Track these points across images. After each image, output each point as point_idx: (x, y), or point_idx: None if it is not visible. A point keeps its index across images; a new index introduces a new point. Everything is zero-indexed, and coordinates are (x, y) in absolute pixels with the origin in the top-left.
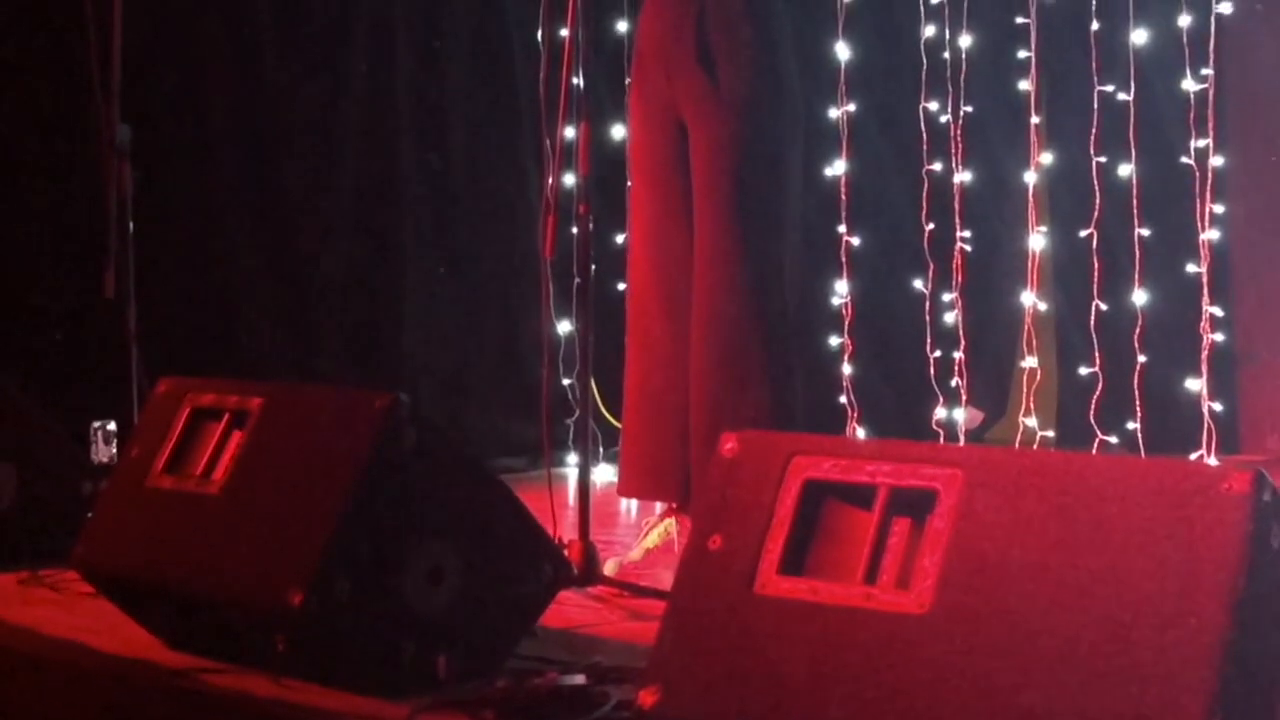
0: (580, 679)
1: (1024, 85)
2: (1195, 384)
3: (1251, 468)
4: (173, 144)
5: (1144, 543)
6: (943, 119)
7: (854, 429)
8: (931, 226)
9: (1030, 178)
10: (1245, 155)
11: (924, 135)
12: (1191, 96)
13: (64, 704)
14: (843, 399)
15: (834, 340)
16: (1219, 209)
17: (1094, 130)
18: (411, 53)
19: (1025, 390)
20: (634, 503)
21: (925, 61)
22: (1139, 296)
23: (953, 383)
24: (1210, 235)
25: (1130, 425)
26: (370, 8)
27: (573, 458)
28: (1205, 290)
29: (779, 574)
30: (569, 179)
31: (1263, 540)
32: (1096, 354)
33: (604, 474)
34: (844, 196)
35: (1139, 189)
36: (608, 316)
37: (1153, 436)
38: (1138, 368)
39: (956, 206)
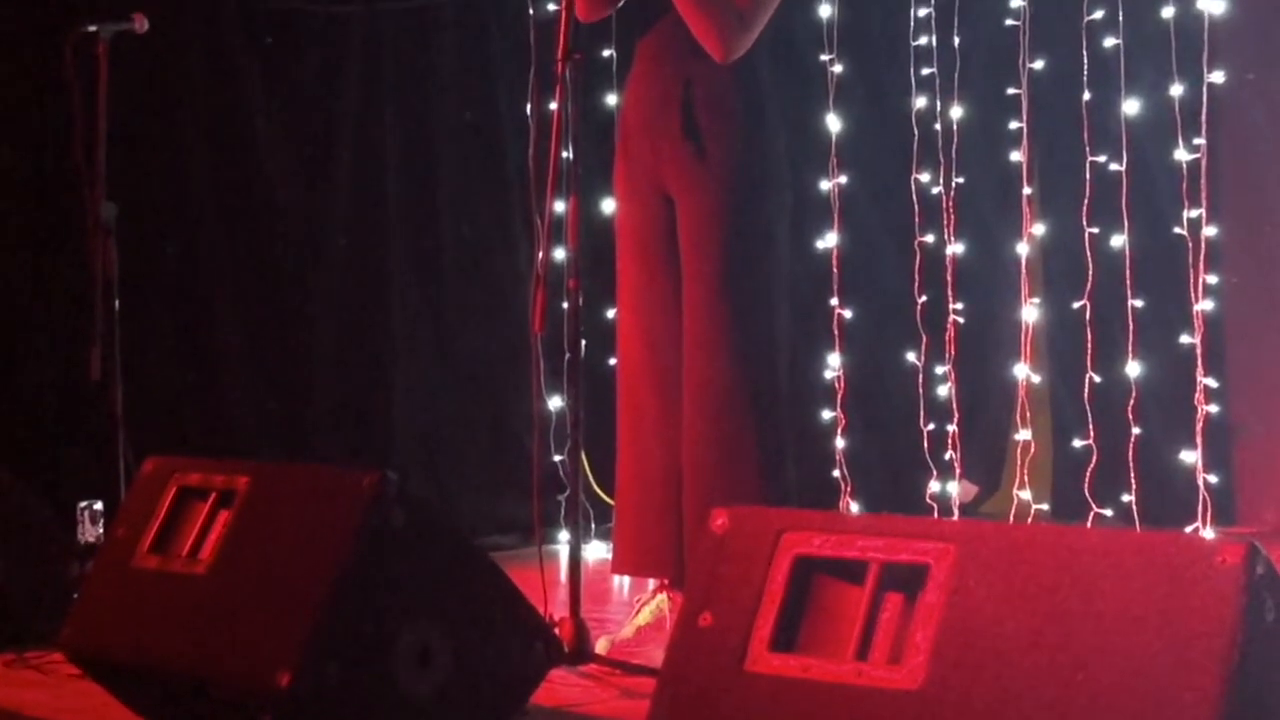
0: None
1: (1016, 156)
2: (1190, 456)
3: (1245, 540)
4: (159, 222)
5: (1138, 617)
6: (934, 190)
7: (847, 503)
8: (924, 299)
9: (1023, 249)
10: (1239, 225)
11: (916, 207)
12: (1184, 166)
13: None
14: (835, 473)
15: (826, 414)
16: (1213, 279)
17: (1086, 201)
18: (400, 127)
19: (1019, 463)
20: (627, 580)
21: (916, 133)
22: (1133, 368)
23: (946, 456)
24: (1204, 306)
25: (1125, 498)
26: (358, 83)
27: (564, 535)
28: (1199, 361)
29: (770, 651)
30: (559, 253)
31: (1257, 613)
32: (1090, 426)
33: (596, 551)
34: (835, 269)
35: (1132, 260)
36: (599, 392)
37: (1148, 509)
38: (1132, 440)
39: (949, 278)
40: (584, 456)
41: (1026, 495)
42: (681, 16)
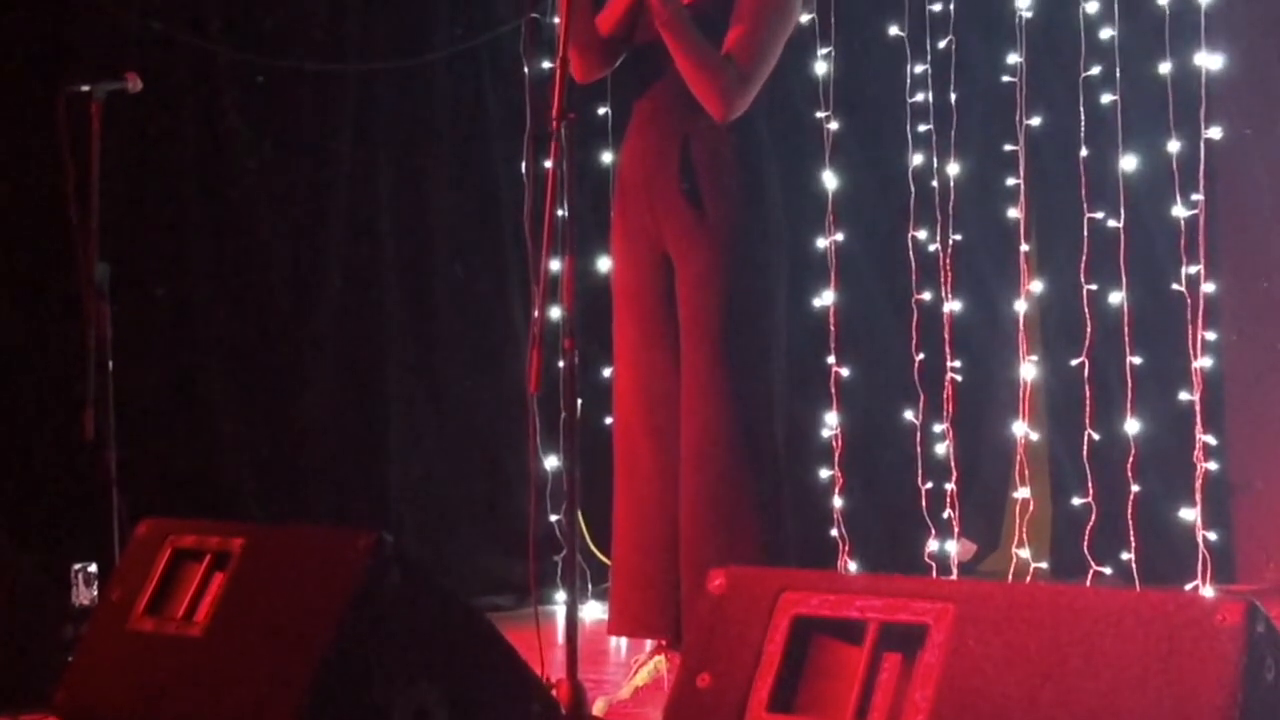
0: None
1: (1013, 213)
2: (1189, 513)
3: (1244, 599)
4: (152, 282)
5: (1137, 676)
6: (931, 248)
7: (845, 563)
8: (921, 356)
9: (1020, 306)
10: (1237, 281)
11: (913, 264)
12: (1182, 222)
13: None
14: (834, 532)
15: (824, 472)
16: (1211, 336)
17: (1084, 257)
18: (394, 186)
19: (1018, 521)
20: (624, 640)
21: (913, 190)
22: (1131, 425)
23: (945, 514)
24: (1203, 363)
25: (1125, 555)
26: (352, 142)
27: (561, 595)
28: (1198, 418)
29: (768, 712)
30: (555, 312)
31: (1256, 672)
32: (1089, 484)
33: (593, 611)
34: (833, 327)
35: (1130, 316)
36: (595, 451)
37: (1147, 567)
38: (1131, 497)
39: (946, 336)
40: (581, 516)
41: (1025, 553)
42: (679, 75)
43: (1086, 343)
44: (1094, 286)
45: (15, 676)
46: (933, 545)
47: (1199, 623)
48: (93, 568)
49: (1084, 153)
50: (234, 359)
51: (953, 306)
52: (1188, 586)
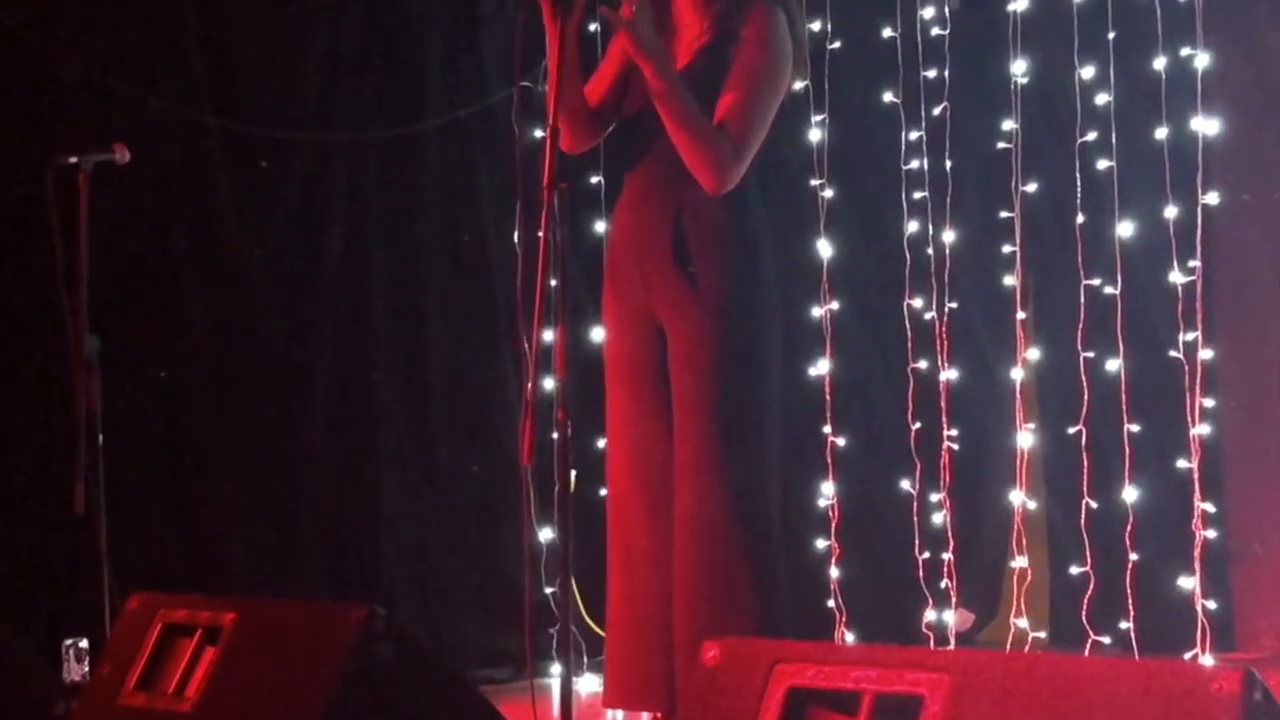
0: None
1: (1009, 280)
2: (1188, 582)
3: (1242, 667)
4: (142, 354)
5: None
6: (927, 316)
7: (842, 633)
8: (918, 425)
9: (1017, 374)
10: (1235, 348)
11: (908, 332)
12: (1179, 289)
13: None
14: (830, 603)
15: (820, 543)
16: (1209, 403)
17: (1081, 325)
18: (386, 257)
19: (1016, 591)
20: (620, 713)
21: (909, 257)
22: (1130, 493)
23: (942, 584)
24: (1201, 430)
25: (1123, 625)
26: (343, 211)
27: (556, 668)
28: (1197, 486)
29: None
30: (548, 383)
31: None
32: (1088, 553)
33: (588, 684)
34: (828, 396)
35: (1128, 384)
36: (589, 522)
37: (1146, 636)
38: (1130, 566)
39: (943, 404)
40: (575, 588)
41: (1024, 623)
42: (670, 146)
43: (1084, 410)
44: (1091, 354)
45: None
46: (930, 615)
47: (1196, 692)
48: (84, 643)
49: (1080, 219)
50: (226, 431)
51: (949, 375)
52: (1187, 655)
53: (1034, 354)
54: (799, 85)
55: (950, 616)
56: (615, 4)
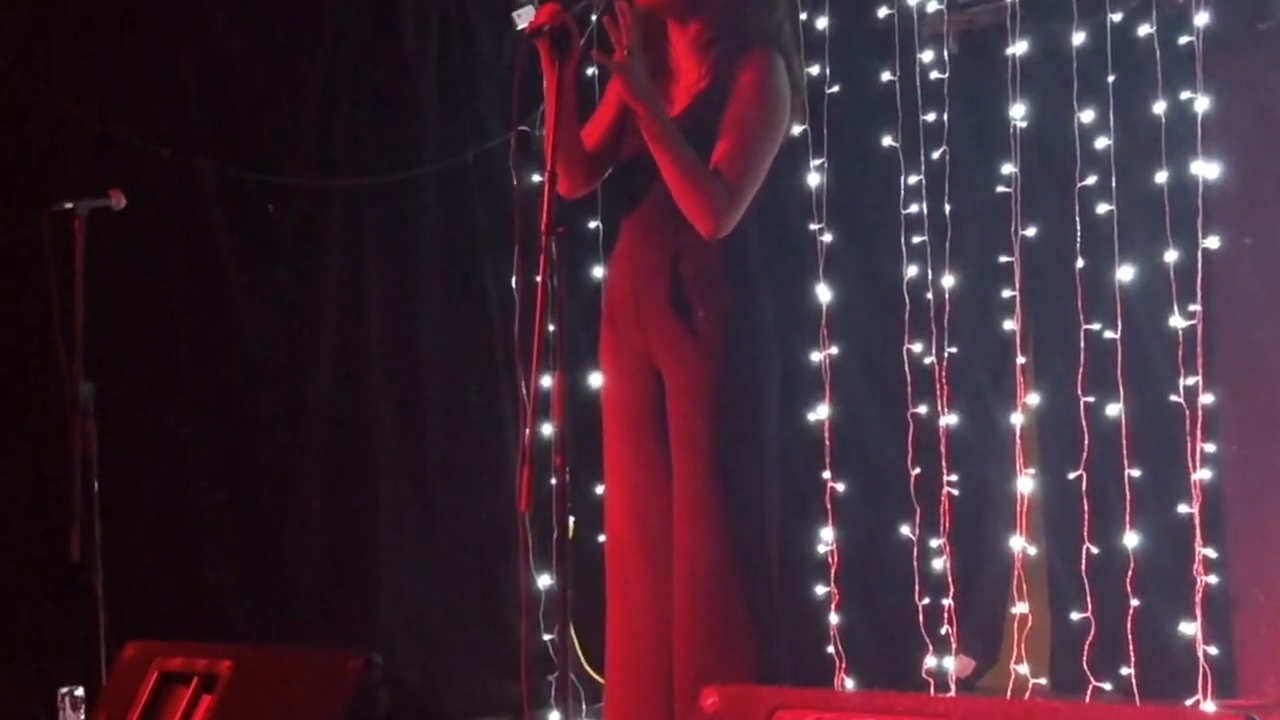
0: None
1: (1009, 325)
2: (1190, 627)
3: (1244, 713)
4: (137, 401)
5: None
6: (927, 360)
7: (842, 680)
8: (917, 470)
9: (1017, 419)
10: (1236, 392)
11: (908, 377)
12: (1180, 333)
13: None
14: (830, 649)
15: (820, 589)
16: (1210, 448)
17: (1081, 369)
18: (384, 302)
19: (1016, 637)
20: None
21: (908, 302)
22: (1130, 539)
23: (942, 630)
24: (1202, 475)
25: (1124, 671)
26: (340, 257)
27: (555, 715)
28: (1198, 531)
29: None
30: (545, 429)
31: None
32: (1088, 598)
33: None
34: (828, 441)
35: (1128, 429)
36: (588, 569)
37: (1147, 682)
38: (1131, 612)
39: (942, 449)
40: (573, 635)
41: (1024, 669)
42: (667, 190)
43: (1084, 455)
44: (1091, 399)
45: None
46: (930, 662)
47: None
48: (79, 691)
49: (1080, 263)
50: (222, 478)
51: (949, 420)
52: (1189, 702)
53: (1034, 399)
54: (797, 129)
55: (951, 663)
56: (609, 47)
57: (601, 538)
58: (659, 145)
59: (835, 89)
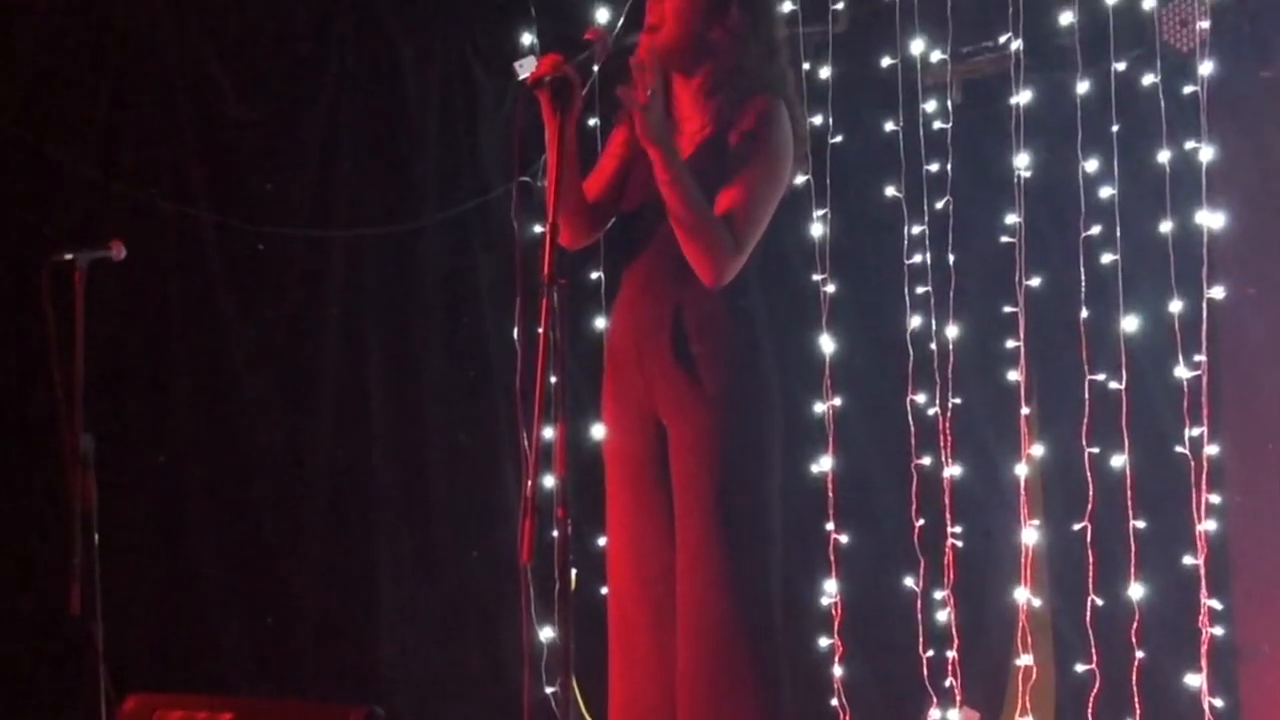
0: None
1: (1013, 375)
2: (1195, 679)
3: None
4: (137, 453)
5: None
6: (930, 411)
7: None
8: (921, 522)
9: (1021, 470)
10: (1241, 444)
11: (912, 428)
12: (1185, 384)
13: None
14: (834, 702)
15: (823, 641)
16: (1216, 499)
17: (1085, 420)
18: (384, 353)
19: (1021, 689)
20: None
21: (912, 353)
22: (1135, 590)
23: (946, 683)
24: (1207, 526)
25: None
26: (340, 308)
27: None
28: (1203, 583)
29: None
30: (548, 480)
31: None
32: (1093, 650)
33: None
34: (831, 493)
35: (1133, 480)
36: (590, 621)
37: None
38: (1136, 664)
39: (947, 501)
40: (576, 688)
41: None
42: (669, 241)
43: (1089, 507)
44: (1096, 449)
45: None
46: (935, 714)
47: None
48: None
49: (1084, 314)
50: (222, 529)
51: (953, 471)
52: None
53: (1038, 450)
54: (800, 179)
55: (955, 715)
56: (630, 87)
57: (604, 589)
58: (671, 190)
59: (838, 139)
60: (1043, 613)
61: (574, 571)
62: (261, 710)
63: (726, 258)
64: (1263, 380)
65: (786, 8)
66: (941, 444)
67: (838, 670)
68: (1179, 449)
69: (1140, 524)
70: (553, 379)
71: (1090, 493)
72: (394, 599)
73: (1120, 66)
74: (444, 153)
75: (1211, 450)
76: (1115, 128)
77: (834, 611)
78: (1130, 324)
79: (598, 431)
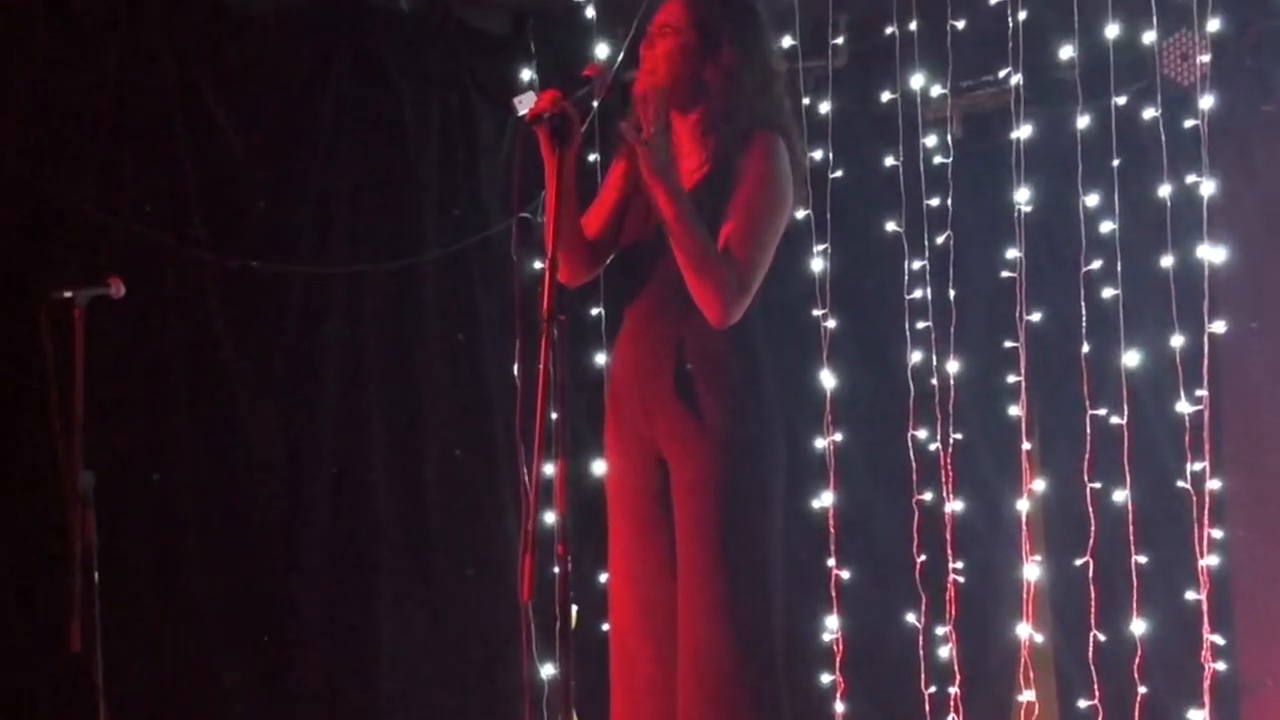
0: None
1: (1014, 410)
2: (1198, 715)
3: None
4: (137, 490)
5: None
6: (932, 447)
7: None
8: (923, 558)
9: (1023, 505)
10: (1243, 478)
11: (913, 464)
12: (1186, 418)
13: None
14: None
15: (825, 677)
16: (1218, 534)
17: (1087, 455)
18: (385, 389)
19: None
20: None
21: (913, 388)
22: (1138, 626)
23: (949, 719)
24: (1209, 561)
25: None
26: (340, 345)
27: None
28: (1206, 618)
29: None
30: (548, 517)
31: None
32: (1095, 686)
33: None
34: (832, 529)
35: (1135, 515)
36: (591, 658)
37: None
38: (1138, 699)
39: (948, 536)
40: None
41: None
42: (670, 277)
43: (1091, 542)
44: (1098, 484)
45: None
46: None
47: None
48: None
49: (1086, 348)
50: (222, 566)
51: (954, 507)
52: None
53: (1040, 485)
54: (800, 214)
55: None
56: (633, 121)
57: (605, 626)
58: (676, 226)
59: (839, 174)
60: (1045, 648)
61: (575, 608)
62: None
63: (732, 296)
64: (1264, 414)
65: (786, 43)
66: (943, 479)
67: (839, 706)
68: (1181, 483)
69: (1142, 559)
70: (553, 415)
71: (1092, 528)
72: (394, 635)
73: (1121, 100)
74: (444, 188)
75: (1213, 485)
76: (1116, 162)
77: (835, 647)
78: (1132, 358)
79: (599, 467)
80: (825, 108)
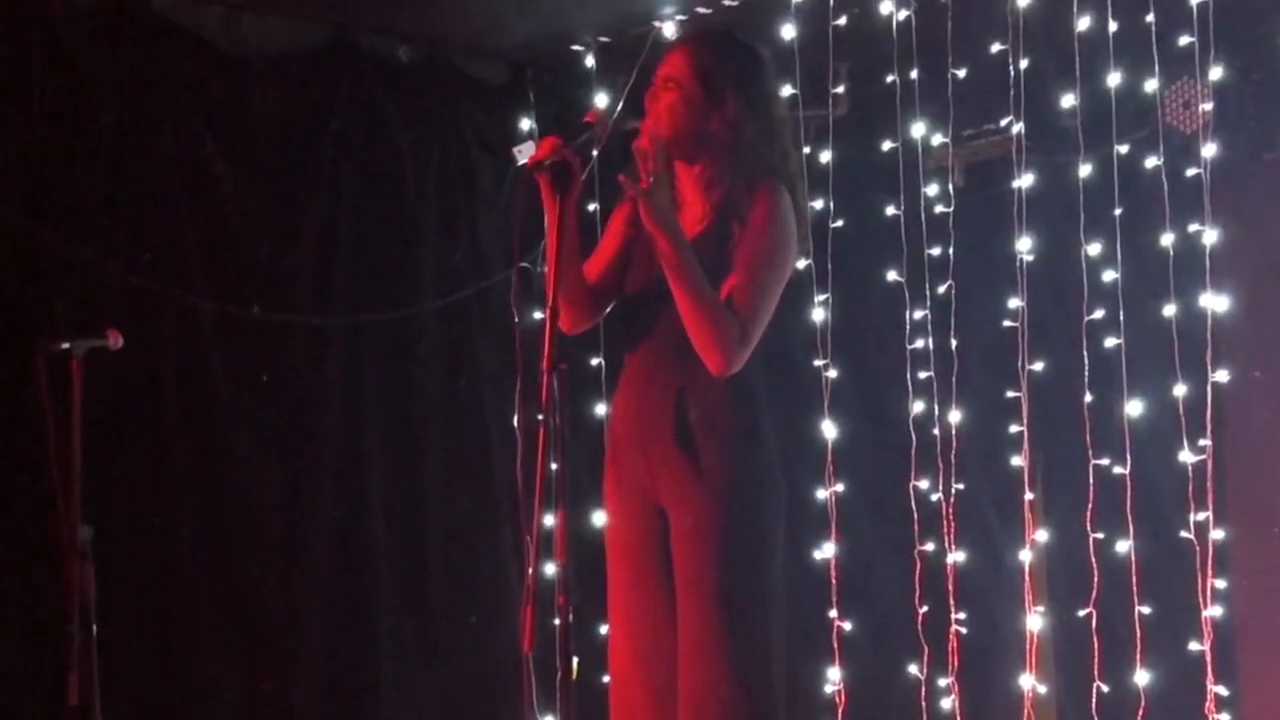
0: None
1: (1016, 461)
2: None
3: None
4: (136, 543)
5: None
6: (934, 497)
7: None
8: (925, 609)
9: (1025, 556)
10: (1247, 528)
11: (915, 515)
12: (1189, 468)
13: None
14: None
15: None
16: (1221, 584)
17: (1090, 505)
18: (385, 440)
19: None
20: None
21: (914, 439)
22: (1141, 677)
23: None
24: (1213, 612)
25: None
26: (340, 395)
27: None
28: (1209, 669)
29: None
30: (549, 568)
31: None
32: None
33: None
34: (834, 580)
35: (1138, 565)
36: (592, 710)
37: None
38: None
39: (950, 587)
40: None
41: None
42: (671, 327)
43: (1094, 593)
44: (1101, 535)
45: None
46: None
47: None
48: None
49: (1088, 398)
50: (221, 620)
51: (956, 557)
52: None
53: (1043, 535)
54: (802, 263)
55: None
56: (634, 173)
57: (606, 678)
58: (677, 276)
59: (840, 223)
60: (1048, 700)
61: (576, 659)
62: None
63: (734, 346)
64: (1268, 464)
65: (787, 91)
66: (945, 530)
67: None
68: (1184, 533)
69: (1145, 609)
70: (554, 465)
71: (1095, 578)
72: (394, 689)
73: (1123, 149)
74: (443, 238)
75: (1217, 535)
76: (1118, 210)
77: (837, 699)
78: (1134, 408)
79: (599, 518)
80: (826, 157)
